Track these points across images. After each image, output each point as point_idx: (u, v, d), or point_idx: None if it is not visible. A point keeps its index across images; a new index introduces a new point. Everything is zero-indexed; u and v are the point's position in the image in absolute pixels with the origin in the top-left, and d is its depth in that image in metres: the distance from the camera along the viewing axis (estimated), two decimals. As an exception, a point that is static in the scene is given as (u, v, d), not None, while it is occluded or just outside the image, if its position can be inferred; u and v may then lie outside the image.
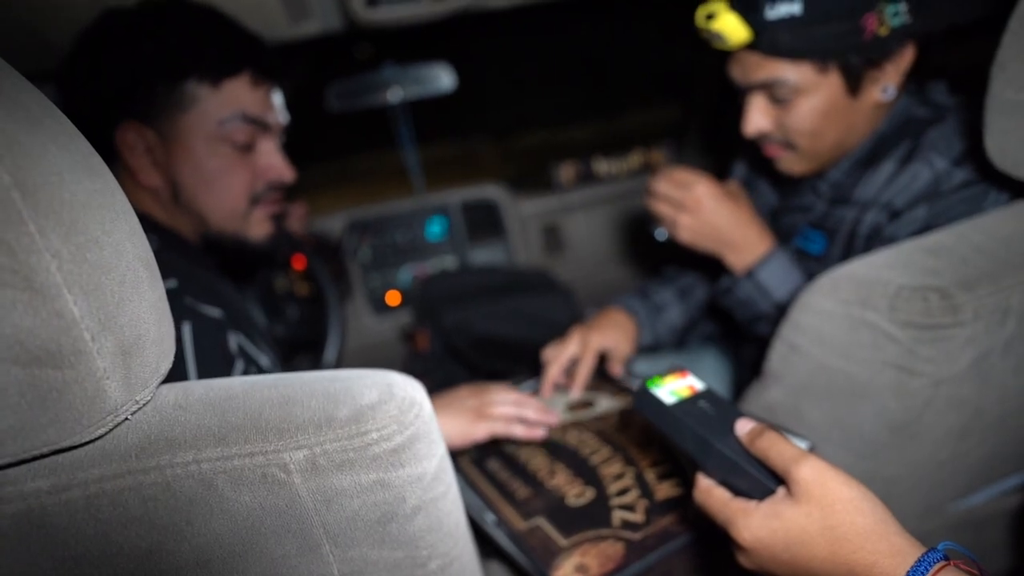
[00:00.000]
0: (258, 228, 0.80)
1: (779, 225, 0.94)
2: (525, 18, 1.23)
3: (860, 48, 0.69)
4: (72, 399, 0.28)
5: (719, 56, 0.80)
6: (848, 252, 0.81)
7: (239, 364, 0.68)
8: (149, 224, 0.73)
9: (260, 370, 0.70)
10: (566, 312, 1.35)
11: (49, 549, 0.30)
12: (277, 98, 0.79)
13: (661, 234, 0.98)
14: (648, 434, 0.78)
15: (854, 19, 0.67)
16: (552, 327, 1.25)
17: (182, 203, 0.74)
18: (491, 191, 1.51)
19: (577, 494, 0.68)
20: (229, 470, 0.31)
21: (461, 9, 1.11)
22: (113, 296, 0.28)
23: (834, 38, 0.68)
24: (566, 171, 1.53)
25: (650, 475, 0.71)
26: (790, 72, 0.73)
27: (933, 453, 0.64)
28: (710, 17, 0.73)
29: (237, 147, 0.74)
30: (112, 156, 0.72)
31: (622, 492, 0.68)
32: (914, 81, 0.78)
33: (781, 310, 0.83)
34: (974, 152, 0.69)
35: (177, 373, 0.60)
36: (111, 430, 0.31)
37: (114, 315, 0.28)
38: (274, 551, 0.33)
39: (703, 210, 0.84)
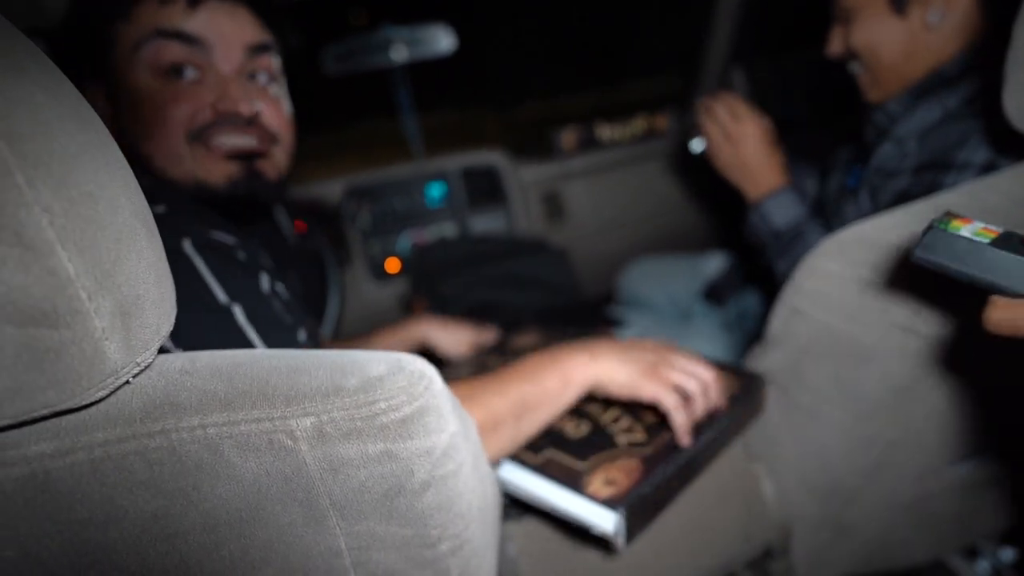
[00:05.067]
0: (214, 170, 0.67)
1: (843, 175, 0.98)
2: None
3: None
4: (70, 360, 0.27)
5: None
6: (873, 190, 0.86)
7: (264, 279, 0.63)
8: (160, 191, 0.65)
9: (283, 302, 0.66)
10: (560, 272, 1.34)
11: (54, 513, 0.29)
12: (220, 14, 0.67)
13: (697, 145, 1.08)
14: None
15: None
16: (546, 288, 1.25)
17: (137, 158, 0.66)
18: (491, 157, 1.48)
19: (574, 427, 0.71)
20: (235, 435, 0.30)
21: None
22: (109, 253, 0.27)
23: None
24: (567, 137, 1.51)
25: (632, 407, 0.74)
26: None
27: (932, 416, 0.64)
28: None
29: (166, 73, 0.65)
30: None
31: (615, 420, 0.71)
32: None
33: (778, 240, 0.94)
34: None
35: (198, 293, 0.56)
36: (113, 392, 0.30)
37: (111, 273, 0.27)
38: (280, 518, 0.32)
39: (745, 146, 0.97)
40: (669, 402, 0.64)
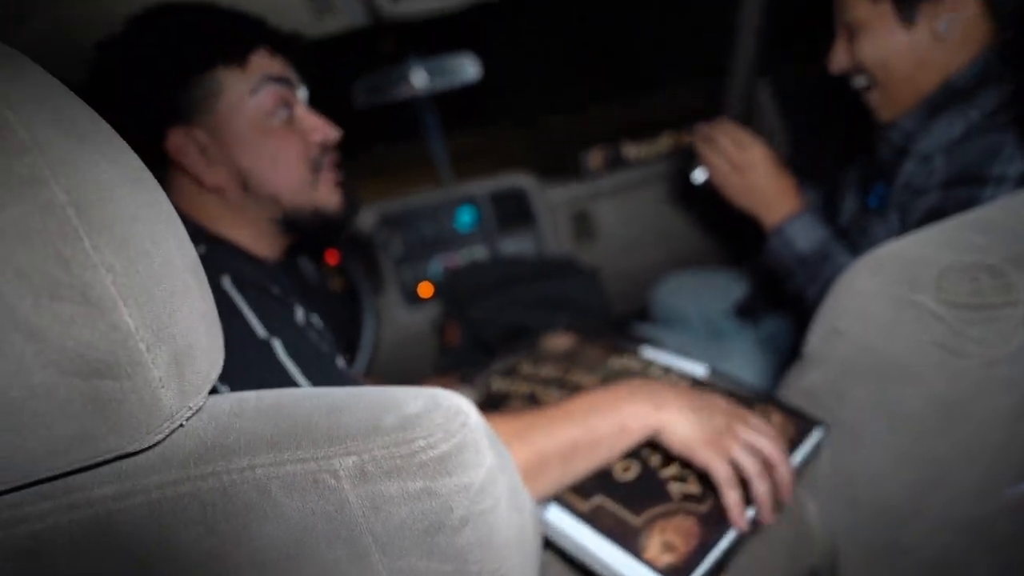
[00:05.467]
0: (329, 197, 0.77)
1: (863, 195, 0.96)
2: (548, 2, 1.21)
3: None
4: (131, 407, 0.28)
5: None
6: (901, 209, 0.83)
7: (298, 311, 0.67)
8: (199, 234, 0.72)
9: (317, 332, 0.70)
10: (592, 293, 1.34)
11: (116, 553, 0.31)
12: (289, 60, 0.78)
13: (699, 176, 1.06)
14: None
15: None
16: (578, 310, 1.25)
17: (252, 191, 0.73)
18: (519, 180, 1.50)
19: (623, 468, 0.66)
20: (282, 475, 0.31)
21: (484, 2, 1.09)
22: (165, 307, 0.29)
23: None
24: (595, 157, 1.51)
25: None
26: (855, 9, 0.83)
27: (986, 435, 0.62)
28: None
29: (278, 116, 0.73)
30: (166, 167, 0.73)
31: (665, 465, 0.67)
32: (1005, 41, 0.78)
33: (804, 265, 0.91)
34: None
35: (238, 329, 0.60)
36: (168, 436, 0.31)
37: (167, 325, 0.29)
38: (325, 556, 0.33)
39: (755, 173, 0.95)
40: (721, 476, 0.60)
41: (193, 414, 0.32)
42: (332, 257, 1.34)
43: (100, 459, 0.30)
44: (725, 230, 1.61)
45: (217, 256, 0.66)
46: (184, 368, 0.30)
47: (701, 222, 1.60)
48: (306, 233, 0.78)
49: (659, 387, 0.65)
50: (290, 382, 0.59)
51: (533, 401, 0.82)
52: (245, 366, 0.58)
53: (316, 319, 0.72)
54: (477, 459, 0.35)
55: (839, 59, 0.89)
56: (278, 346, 0.60)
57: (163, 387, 0.29)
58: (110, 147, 0.29)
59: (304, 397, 0.35)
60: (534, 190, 1.50)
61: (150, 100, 0.71)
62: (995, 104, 0.75)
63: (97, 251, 0.26)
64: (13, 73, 0.28)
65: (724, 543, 0.58)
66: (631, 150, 1.52)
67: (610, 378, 0.83)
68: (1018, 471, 0.67)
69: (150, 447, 0.31)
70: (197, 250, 0.64)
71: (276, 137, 0.73)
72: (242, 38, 0.71)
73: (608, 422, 0.61)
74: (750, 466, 0.60)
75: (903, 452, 0.64)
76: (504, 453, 0.41)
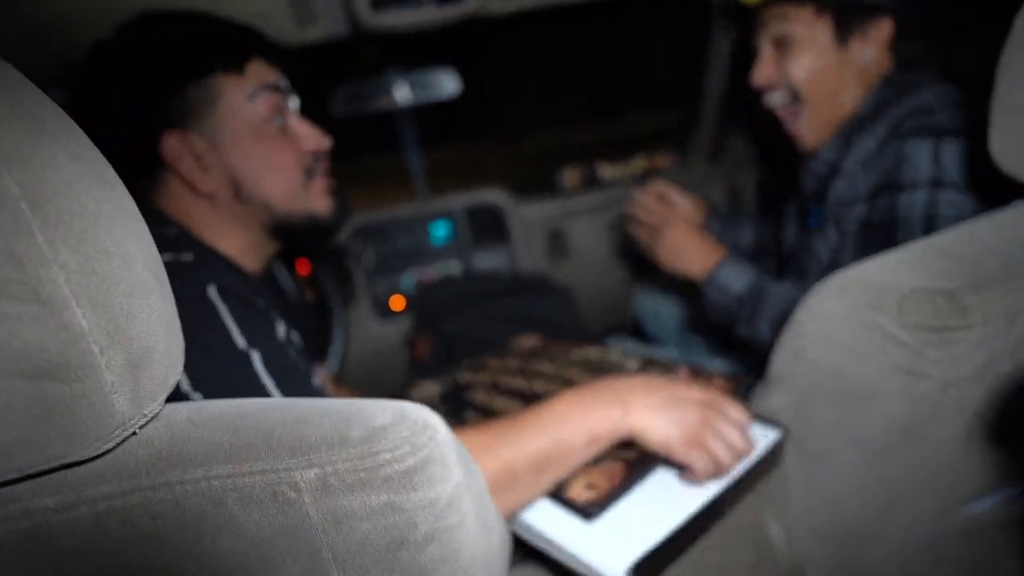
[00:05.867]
0: (321, 203, 0.78)
1: (802, 225, 1.02)
2: (529, 21, 1.22)
3: (849, 3, 0.84)
4: (80, 413, 0.27)
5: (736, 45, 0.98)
6: (837, 223, 0.88)
7: (280, 327, 0.67)
8: (187, 240, 0.71)
9: (296, 348, 0.71)
10: (565, 311, 1.35)
11: (57, 568, 0.29)
12: (294, 104, 0.80)
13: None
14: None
15: None
16: (550, 327, 1.25)
17: (245, 197, 0.73)
18: (495, 196, 1.50)
19: None
20: (239, 487, 0.30)
21: (466, 15, 1.10)
22: (122, 308, 0.28)
23: None
24: (570, 175, 1.53)
25: None
26: (794, 20, 0.86)
27: (943, 456, 0.63)
28: None
29: (273, 123, 0.74)
30: (158, 171, 0.72)
31: None
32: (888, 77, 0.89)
33: (744, 305, 0.95)
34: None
35: (219, 338, 0.59)
36: (119, 444, 0.30)
37: (123, 327, 0.28)
38: (282, 573, 0.32)
39: (674, 232, 1.02)
40: (701, 472, 0.61)
41: (148, 421, 0.31)
42: (303, 267, 1.32)
43: (42, 467, 0.28)
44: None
45: (204, 264, 0.66)
46: (140, 373, 0.29)
47: None
48: (297, 239, 0.79)
49: (625, 386, 0.64)
50: (264, 395, 0.58)
51: (495, 388, 0.86)
52: (221, 376, 0.57)
53: (296, 335, 0.72)
54: (444, 474, 0.34)
55: (766, 73, 0.91)
56: (256, 358, 0.59)
57: (116, 392, 0.28)
58: (72, 143, 0.28)
59: (268, 407, 0.33)
60: (509, 206, 1.51)
61: (147, 103, 0.70)
62: (897, 119, 0.82)
63: (52, 248, 0.25)
64: None
65: (640, 478, 0.63)
66: (606, 170, 1.54)
67: (570, 365, 0.88)
68: (974, 491, 0.68)
69: (99, 455, 0.29)
70: (183, 257, 0.64)
71: (270, 143, 0.73)
72: (241, 46, 0.72)
73: (578, 431, 0.61)
74: (726, 460, 0.62)
75: (865, 474, 0.65)
76: (472, 468, 0.40)
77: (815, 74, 0.87)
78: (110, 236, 0.28)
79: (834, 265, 0.88)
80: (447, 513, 0.34)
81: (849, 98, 0.88)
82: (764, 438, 0.69)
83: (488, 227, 1.50)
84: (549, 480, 0.61)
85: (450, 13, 1.08)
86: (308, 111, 0.84)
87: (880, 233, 0.80)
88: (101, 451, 0.29)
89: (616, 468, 0.63)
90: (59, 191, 0.26)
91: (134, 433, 0.30)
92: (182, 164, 0.71)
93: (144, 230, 0.31)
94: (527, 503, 0.61)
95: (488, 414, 0.79)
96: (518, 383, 0.85)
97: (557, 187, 1.54)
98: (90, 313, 0.26)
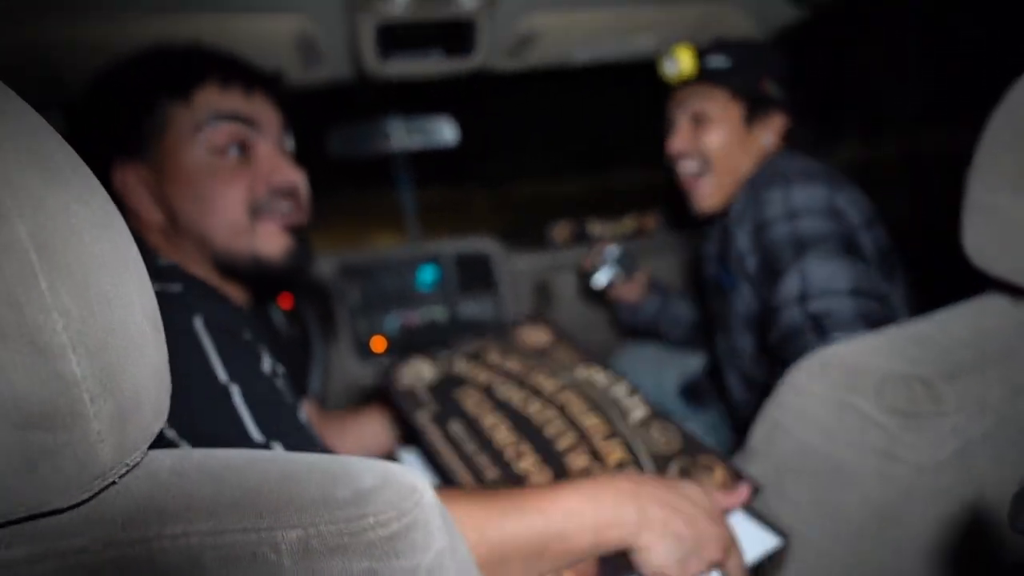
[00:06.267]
0: (269, 243, 0.72)
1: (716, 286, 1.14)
2: (525, 76, 1.27)
3: (756, 94, 1.04)
4: (62, 462, 0.26)
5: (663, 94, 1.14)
6: (744, 276, 0.99)
7: (266, 360, 0.64)
8: (175, 272, 0.68)
9: (283, 382, 0.68)
10: None
11: (15, 626, 0.28)
12: (263, 100, 0.74)
13: (600, 279, 1.32)
14: (612, 426, 0.75)
15: (757, 77, 1.05)
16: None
17: (182, 231, 0.70)
18: (485, 244, 1.52)
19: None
20: (219, 546, 0.29)
21: (471, 69, 1.14)
22: (117, 357, 0.27)
23: (744, 82, 1.04)
24: (560, 230, 1.55)
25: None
26: (712, 101, 1.05)
27: (919, 542, 0.63)
28: (673, 54, 1.08)
29: (225, 154, 0.69)
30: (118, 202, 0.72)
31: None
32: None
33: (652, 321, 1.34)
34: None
35: (200, 371, 0.58)
36: (97, 494, 0.29)
37: (116, 376, 0.27)
38: None
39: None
40: None
41: (128, 470, 0.30)
42: (286, 301, 1.31)
43: (17, 515, 0.27)
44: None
45: (191, 296, 0.64)
46: (127, 423, 0.28)
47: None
48: (245, 278, 0.74)
49: (648, 499, 0.57)
50: (241, 430, 0.56)
51: (489, 395, 0.82)
52: (198, 409, 0.56)
53: (282, 369, 0.70)
54: (427, 541, 0.34)
55: (682, 143, 1.08)
56: (236, 392, 0.57)
57: (102, 441, 0.27)
58: (83, 188, 0.28)
59: (253, 460, 0.33)
60: (498, 256, 1.52)
61: (100, 132, 0.70)
62: (756, 179, 1.00)
63: (54, 294, 0.25)
64: None
65: None
66: (596, 227, 1.57)
67: (572, 387, 0.81)
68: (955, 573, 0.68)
69: (75, 505, 0.28)
70: (172, 288, 0.63)
71: (215, 175, 0.69)
72: (188, 73, 0.69)
73: (584, 532, 0.55)
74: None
75: (839, 553, 0.65)
76: (456, 535, 0.39)
77: (725, 147, 1.04)
78: (112, 283, 0.28)
79: (749, 316, 1.01)
80: (427, 582, 0.33)
81: (746, 170, 1.05)
82: (762, 544, 0.65)
83: (476, 275, 1.51)
84: (540, 570, 0.55)
85: (455, 66, 1.12)
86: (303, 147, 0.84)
87: (770, 262, 0.91)
88: (78, 500, 0.28)
89: (589, 568, 0.58)
90: (67, 238, 0.26)
91: (114, 482, 0.30)
92: (131, 194, 0.70)
93: (145, 277, 0.31)
94: None
95: (476, 433, 0.76)
96: (514, 395, 0.81)
97: (547, 240, 1.56)
98: (85, 361, 0.26)
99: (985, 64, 1.24)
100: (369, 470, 0.34)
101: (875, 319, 0.79)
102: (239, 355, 0.61)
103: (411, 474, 0.35)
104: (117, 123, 0.69)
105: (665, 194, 1.69)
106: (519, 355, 0.90)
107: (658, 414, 0.77)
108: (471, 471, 0.71)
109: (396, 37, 1.01)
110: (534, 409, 0.79)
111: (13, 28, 0.81)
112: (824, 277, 0.83)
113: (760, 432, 0.70)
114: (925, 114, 1.56)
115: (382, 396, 0.98)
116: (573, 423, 0.76)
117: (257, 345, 0.66)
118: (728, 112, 1.04)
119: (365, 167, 1.68)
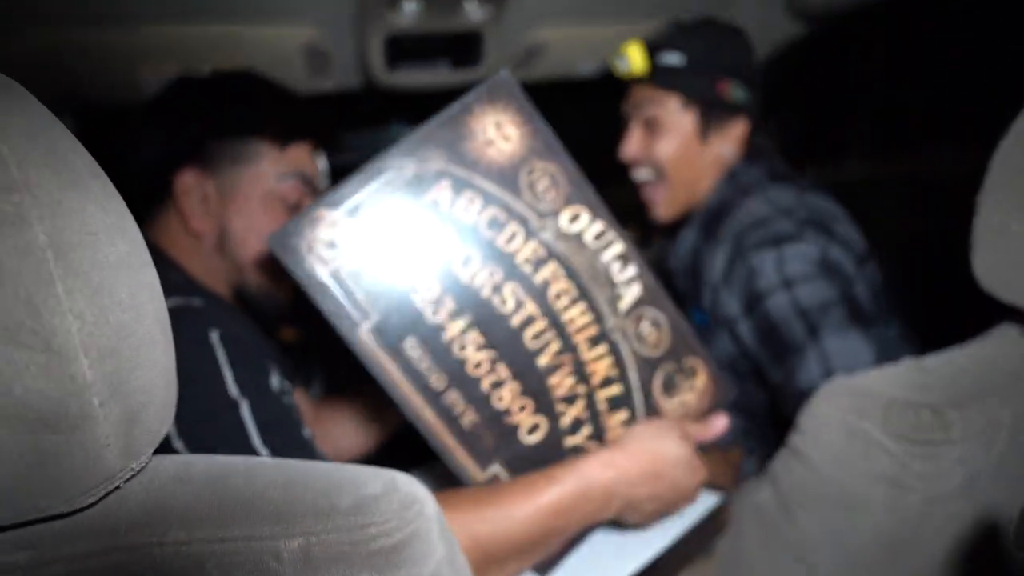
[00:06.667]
0: (287, 290, 0.80)
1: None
2: (531, 88, 1.28)
3: (713, 100, 0.94)
4: (69, 465, 0.26)
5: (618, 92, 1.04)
6: (733, 337, 0.93)
7: (275, 377, 0.67)
8: (192, 286, 0.72)
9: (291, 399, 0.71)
10: None
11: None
12: (321, 163, 0.82)
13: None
14: (599, 322, 0.64)
15: (714, 80, 0.94)
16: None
17: (226, 251, 0.75)
18: None
19: (530, 427, 0.62)
20: (221, 554, 0.29)
21: (478, 79, 1.15)
22: (128, 361, 0.28)
23: (698, 87, 0.94)
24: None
25: (602, 401, 0.64)
26: (663, 107, 0.95)
27: (929, 571, 0.63)
28: (622, 50, 0.97)
29: (288, 205, 0.76)
30: (163, 198, 0.75)
31: (575, 426, 0.63)
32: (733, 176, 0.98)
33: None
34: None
35: (212, 382, 0.59)
36: (101, 499, 0.29)
37: (126, 380, 0.27)
38: None
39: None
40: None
41: (133, 475, 0.30)
42: (288, 334, 1.31)
43: (20, 520, 0.27)
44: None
45: (212, 310, 0.67)
46: (134, 427, 0.28)
47: None
48: (251, 308, 0.80)
49: (630, 484, 0.60)
50: (247, 445, 0.58)
51: (445, 276, 0.59)
52: (206, 422, 0.57)
53: (290, 386, 0.73)
54: (427, 551, 0.34)
55: (633, 149, 0.99)
56: (245, 408, 0.59)
57: (108, 445, 0.27)
58: (101, 192, 0.29)
59: (257, 467, 0.33)
60: None
61: (187, 136, 0.73)
62: (739, 235, 0.90)
63: (70, 297, 0.25)
64: (12, 106, 0.27)
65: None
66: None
67: (554, 255, 0.63)
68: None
69: (79, 510, 0.28)
70: (193, 302, 0.65)
71: (275, 220, 0.75)
72: (294, 125, 0.76)
73: (571, 523, 0.58)
74: None
75: (846, 580, 0.65)
76: (453, 544, 0.39)
77: (678, 157, 0.96)
78: (126, 287, 0.28)
79: (721, 358, 0.94)
80: (425, 593, 0.33)
81: (705, 183, 0.98)
82: (703, 503, 0.68)
83: None
84: (531, 560, 0.58)
85: (462, 77, 1.13)
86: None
87: (775, 336, 0.85)
88: (82, 505, 0.28)
89: None
90: (84, 242, 0.26)
91: (118, 487, 0.30)
92: (187, 199, 0.73)
93: (156, 281, 0.32)
94: None
95: (439, 356, 0.59)
96: (478, 276, 0.61)
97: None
98: (97, 364, 0.26)
99: (994, 83, 1.25)
100: (372, 478, 0.34)
101: None
102: (251, 370, 0.63)
103: (414, 484, 0.35)
104: (204, 134, 0.73)
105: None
106: (478, 187, 0.61)
107: (652, 294, 0.66)
108: (444, 417, 0.59)
109: (404, 48, 1.02)
110: (508, 301, 0.61)
111: (31, 32, 0.82)
112: (847, 356, 0.80)
113: (780, 458, 0.69)
114: (929, 132, 1.57)
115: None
116: (555, 321, 0.63)
117: (268, 362, 0.68)
118: (681, 120, 0.95)
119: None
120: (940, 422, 0.53)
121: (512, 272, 0.61)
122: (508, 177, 0.61)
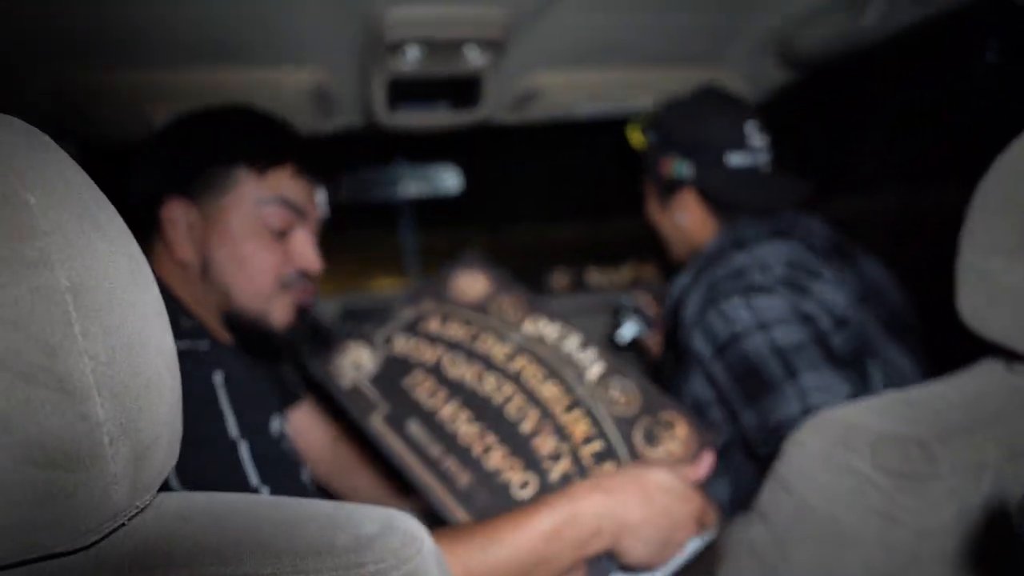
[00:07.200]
0: (281, 314, 0.79)
1: None
2: (530, 129, 1.32)
3: (658, 178, 1.06)
4: (78, 503, 0.27)
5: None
6: (706, 376, 0.96)
7: (275, 422, 0.68)
8: (202, 331, 0.72)
9: (290, 442, 0.71)
10: None
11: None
12: (319, 194, 0.83)
13: (625, 334, 1.26)
14: (571, 393, 0.74)
15: (657, 159, 1.05)
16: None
17: (210, 278, 0.75)
18: None
19: (521, 483, 0.67)
20: (222, 591, 0.30)
21: (476, 121, 1.18)
22: (137, 400, 0.28)
23: (649, 165, 1.08)
24: (558, 278, 1.57)
25: (586, 456, 0.69)
26: (644, 180, 1.11)
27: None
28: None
29: (272, 231, 0.76)
30: (152, 228, 0.76)
31: (564, 480, 0.67)
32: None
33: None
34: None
35: (212, 423, 0.60)
36: (106, 536, 0.30)
37: (135, 419, 0.28)
38: None
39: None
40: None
41: (138, 513, 0.31)
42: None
43: (25, 557, 0.27)
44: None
45: (216, 354, 0.67)
46: (142, 464, 0.29)
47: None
48: (240, 332, 0.79)
49: (622, 508, 0.61)
50: (244, 484, 0.58)
51: (439, 377, 0.77)
52: (206, 462, 0.58)
53: (288, 432, 0.74)
54: None
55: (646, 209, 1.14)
56: (245, 449, 0.60)
57: (116, 484, 0.28)
58: (118, 236, 0.30)
59: (257, 505, 0.33)
60: None
61: (172, 168, 0.75)
62: (713, 281, 0.93)
63: (86, 338, 0.26)
64: (36, 155, 0.29)
65: None
66: (594, 276, 1.59)
67: (523, 351, 0.78)
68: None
69: (84, 548, 0.29)
70: (200, 346, 0.66)
71: (258, 245, 0.75)
72: (273, 149, 0.76)
73: (564, 552, 0.59)
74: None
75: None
76: None
77: (654, 221, 1.12)
78: (138, 328, 0.29)
79: (695, 398, 0.97)
80: (425, 633, 0.33)
81: (682, 248, 1.09)
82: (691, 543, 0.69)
83: None
84: None
85: (461, 119, 1.16)
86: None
87: (752, 376, 0.87)
88: (88, 543, 0.28)
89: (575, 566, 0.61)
90: (102, 285, 0.28)
91: (123, 524, 0.30)
92: (173, 229, 0.74)
93: (166, 321, 0.33)
94: None
95: (438, 432, 0.72)
96: (465, 373, 0.77)
97: (545, 287, 1.58)
98: (108, 404, 0.27)
99: (976, 127, 1.29)
100: (370, 517, 0.34)
101: None
102: (252, 413, 0.63)
103: (412, 521, 0.35)
104: (188, 164, 0.74)
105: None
106: (460, 317, 0.83)
107: (614, 367, 0.77)
108: (442, 480, 0.69)
109: (405, 90, 1.05)
110: (490, 386, 0.75)
111: (41, 74, 0.85)
112: (823, 390, 0.82)
113: (767, 491, 0.69)
114: (914, 173, 1.61)
115: (321, 398, 0.95)
116: (532, 396, 0.74)
117: (270, 406, 0.69)
118: (649, 192, 1.10)
119: (368, 209, 1.72)
120: (926, 455, 0.54)
121: (490, 366, 0.76)
122: (481, 307, 0.83)
